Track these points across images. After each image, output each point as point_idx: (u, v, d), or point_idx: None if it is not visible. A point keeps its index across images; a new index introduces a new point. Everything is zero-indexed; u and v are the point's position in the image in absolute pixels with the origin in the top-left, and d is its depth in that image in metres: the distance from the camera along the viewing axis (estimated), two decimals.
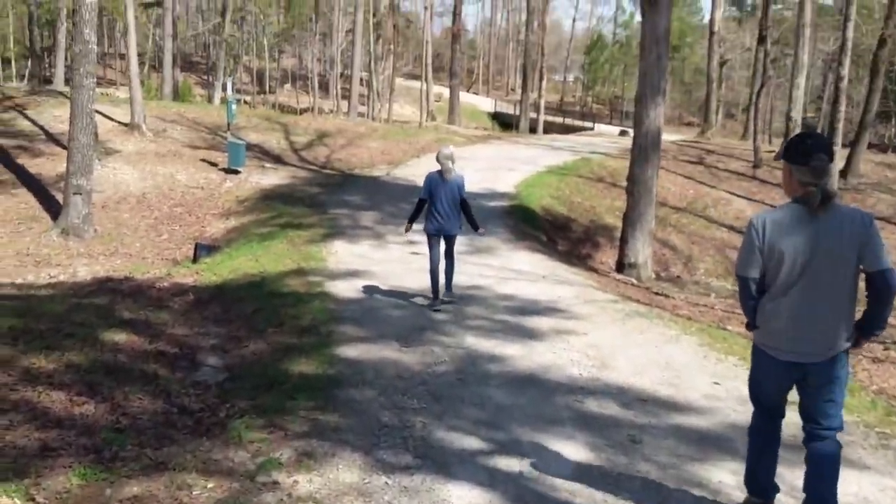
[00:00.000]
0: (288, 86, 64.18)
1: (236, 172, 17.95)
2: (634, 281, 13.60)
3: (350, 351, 6.95)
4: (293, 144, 21.73)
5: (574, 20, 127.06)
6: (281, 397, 5.72)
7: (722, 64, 43.99)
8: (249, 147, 20.66)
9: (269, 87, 58.20)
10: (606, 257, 16.35)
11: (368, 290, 9.51)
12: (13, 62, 48.29)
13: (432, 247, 8.67)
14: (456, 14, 39.50)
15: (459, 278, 9.43)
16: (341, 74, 50.63)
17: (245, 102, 49.08)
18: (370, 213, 14.56)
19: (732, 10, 64.25)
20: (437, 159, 8.50)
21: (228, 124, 18.21)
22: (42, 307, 8.50)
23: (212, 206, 16.09)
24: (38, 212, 14.55)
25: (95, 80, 13.48)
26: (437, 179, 8.40)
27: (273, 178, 17.92)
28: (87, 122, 13.48)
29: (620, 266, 14.26)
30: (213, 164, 18.51)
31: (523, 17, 50.90)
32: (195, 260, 12.83)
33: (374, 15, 46.93)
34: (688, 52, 66.53)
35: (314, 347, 7.08)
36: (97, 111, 21.20)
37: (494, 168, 20.32)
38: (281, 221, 13.85)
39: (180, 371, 6.74)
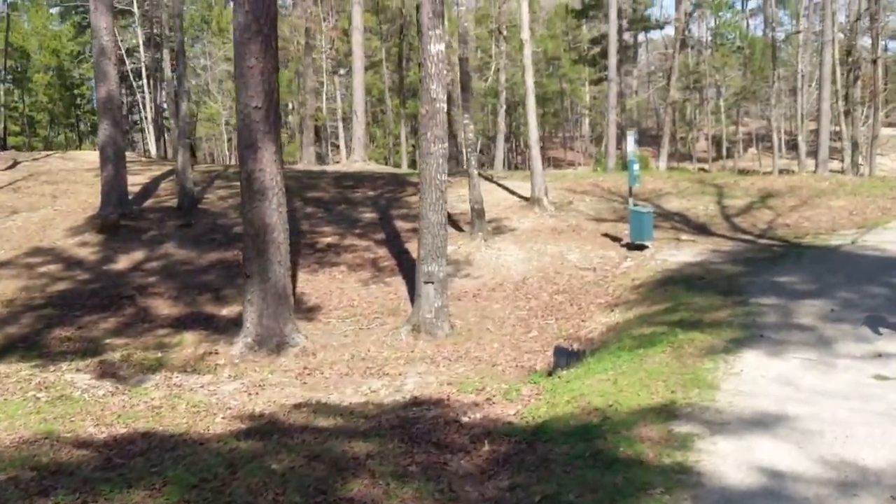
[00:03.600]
0: (753, 149, 58.49)
1: (641, 248, 14.23)
2: None
3: None
4: (725, 210, 17.21)
5: None
6: None
7: None
8: (667, 216, 16.80)
9: (727, 151, 53.24)
10: None
11: (775, 466, 5.04)
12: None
13: None
14: None
15: None
16: (812, 132, 43.62)
17: (702, 170, 44.97)
18: (814, 304, 9.59)
19: None
20: None
21: (630, 189, 14.64)
22: (249, 469, 5.83)
23: (600, 293, 12.58)
24: (402, 303, 12.65)
25: (447, 145, 11.14)
26: None
27: (687, 253, 13.77)
28: (437, 197, 11.15)
29: None
30: (616, 240, 15.08)
31: None
32: (552, 371, 9.45)
33: (848, 55, 39.54)
34: None
35: None
36: (503, 186, 19.50)
37: None
38: (674, 317, 9.72)
39: None
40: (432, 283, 11.19)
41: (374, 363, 10.29)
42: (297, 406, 8.39)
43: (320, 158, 39.83)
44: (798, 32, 39.26)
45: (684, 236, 15.12)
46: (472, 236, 15.09)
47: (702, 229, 15.83)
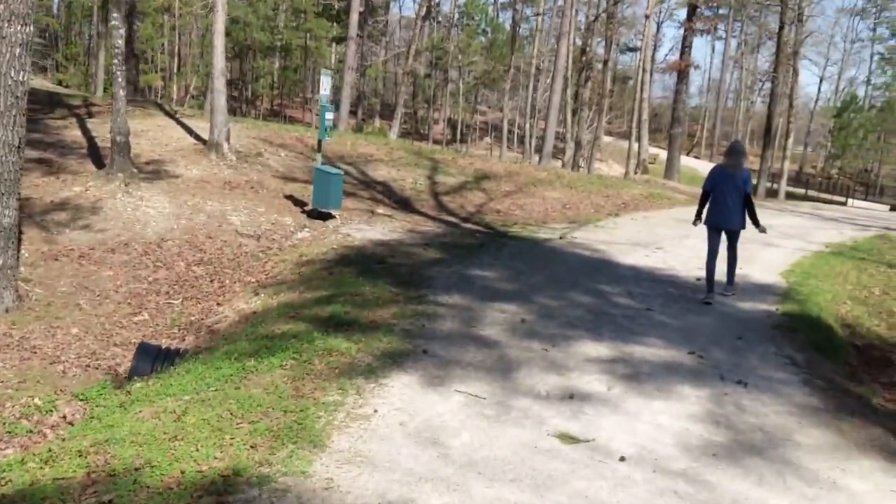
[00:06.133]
0: (487, 139, 59.01)
1: (326, 217, 11.53)
2: None
3: None
4: (435, 186, 15.08)
5: (821, 80, 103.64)
6: None
7: None
8: (370, 184, 14.32)
9: (462, 136, 53.01)
10: None
11: None
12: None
13: (711, 239, 8.41)
14: (685, 47, 31.78)
15: None
16: (542, 129, 44.13)
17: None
18: (505, 309, 7.40)
19: None
20: (728, 153, 8.36)
21: (319, 143, 11.85)
22: None
23: (255, 269, 9.66)
24: None
25: (31, 29, 7.51)
26: (724, 173, 8.14)
27: (378, 230, 11.29)
28: (9, 104, 7.50)
29: None
30: (301, 204, 12.26)
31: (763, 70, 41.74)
32: (129, 379, 6.34)
33: (583, 53, 40.18)
34: None
35: None
36: (183, 124, 15.88)
37: (741, 241, 12.42)
38: (326, 311, 7.04)
39: None
40: None
41: None
42: None
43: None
44: (539, 15, 39.08)
45: (381, 209, 12.66)
46: (108, 177, 11.43)
47: (405, 204, 13.49)
